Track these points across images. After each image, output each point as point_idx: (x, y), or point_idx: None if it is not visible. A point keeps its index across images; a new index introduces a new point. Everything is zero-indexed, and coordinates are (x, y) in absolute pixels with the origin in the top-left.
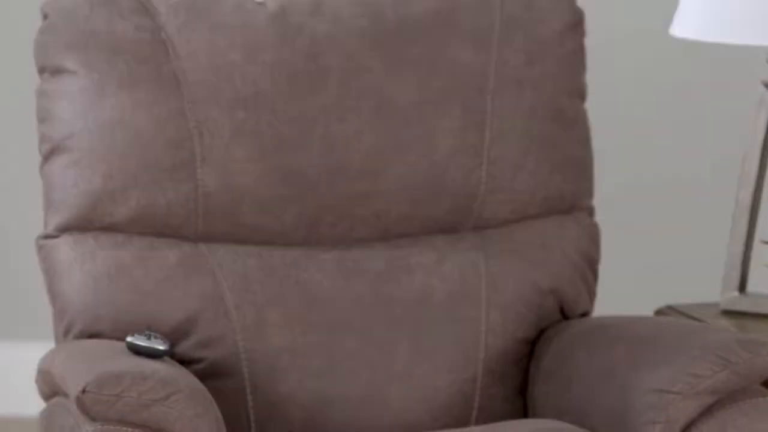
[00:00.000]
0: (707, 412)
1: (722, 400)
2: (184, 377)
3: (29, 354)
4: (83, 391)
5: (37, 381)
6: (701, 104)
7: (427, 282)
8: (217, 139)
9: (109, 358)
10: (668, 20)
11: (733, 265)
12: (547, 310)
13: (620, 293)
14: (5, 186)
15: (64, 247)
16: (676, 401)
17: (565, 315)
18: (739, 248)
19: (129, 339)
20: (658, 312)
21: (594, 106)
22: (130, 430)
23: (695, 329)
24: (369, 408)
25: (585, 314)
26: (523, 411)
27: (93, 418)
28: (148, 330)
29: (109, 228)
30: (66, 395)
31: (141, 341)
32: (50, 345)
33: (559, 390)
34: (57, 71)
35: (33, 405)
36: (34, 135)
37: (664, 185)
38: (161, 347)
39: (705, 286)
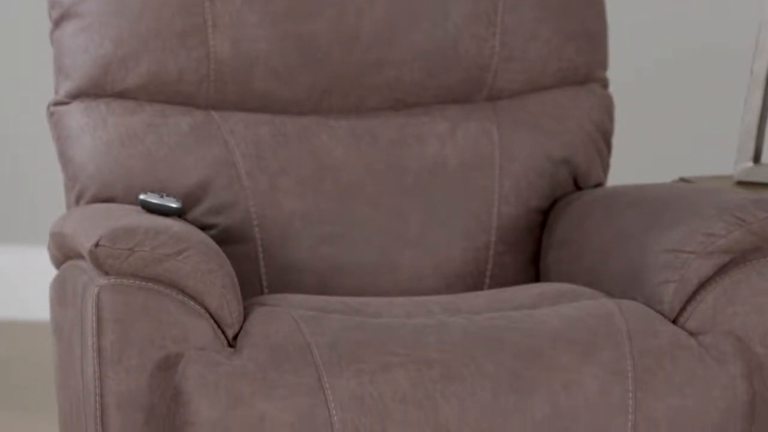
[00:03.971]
0: (721, 271)
1: (736, 260)
2: (197, 234)
3: (31, 258)
4: (96, 245)
5: (48, 247)
6: None
7: (439, 151)
8: (228, 5)
9: (122, 215)
10: None
11: (748, 136)
12: (561, 180)
13: (633, 167)
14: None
15: (76, 114)
16: (690, 260)
17: (578, 186)
18: (754, 119)
19: (142, 197)
20: None
21: None
22: (143, 284)
23: (710, 192)
24: (381, 274)
25: (598, 185)
26: (536, 280)
27: (106, 272)
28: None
29: (121, 95)
30: (79, 257)
31: (154, 199)
32: None
33: (571, 257)
34: None
35: (36, 309)
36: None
37: (677, 57)
38: (174, 205)
39: (718, 159)
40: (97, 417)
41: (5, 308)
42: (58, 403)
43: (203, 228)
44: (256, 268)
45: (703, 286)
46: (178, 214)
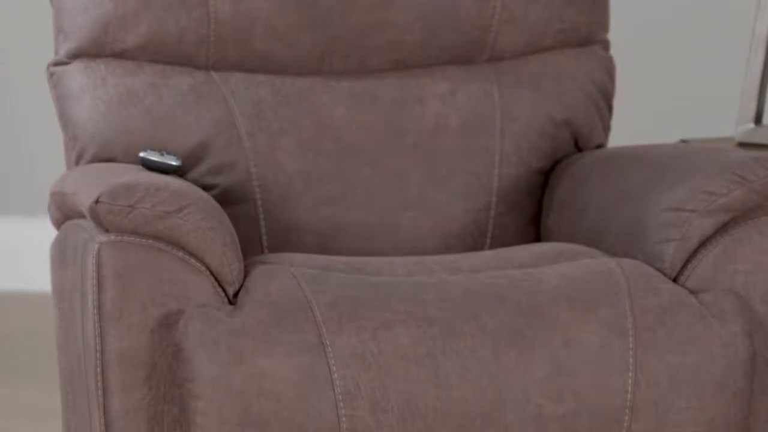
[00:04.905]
0: (722, 229)
1: (737, 218)
2: (198, 192)
3: (32, 230)
4: (97, 202)
5: (49, 208)
6: None
7: (440, 111)
8: None
9: (123, 173)
10: None
11: (749, 97)
12: (562, 142)
13: (634, 129)
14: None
15: (76, 74)
16: (691, 219)
17: (579, 147)
18: (755, 80)
19: (142, 154)
20: None
21: None
22: (143, 241)
23: (711, 151)
24: (382, 235)
25: (599, 147)
26: (537, 241)
27: (106, 230)
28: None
29: (121, 55)
30: (79, 216)
31: (154, 156)
32: None
33: (572, 218)
34: None
35: (36, 281)
36: None
37: (678, 18)
38: (174, 163)
39: (720, 120)
40: (97, 374)
41: (3, 280)
42: (59, 366)
43: (204, 188)
44: (257, 228)
45: (703, 244)
46: (178, 172)
